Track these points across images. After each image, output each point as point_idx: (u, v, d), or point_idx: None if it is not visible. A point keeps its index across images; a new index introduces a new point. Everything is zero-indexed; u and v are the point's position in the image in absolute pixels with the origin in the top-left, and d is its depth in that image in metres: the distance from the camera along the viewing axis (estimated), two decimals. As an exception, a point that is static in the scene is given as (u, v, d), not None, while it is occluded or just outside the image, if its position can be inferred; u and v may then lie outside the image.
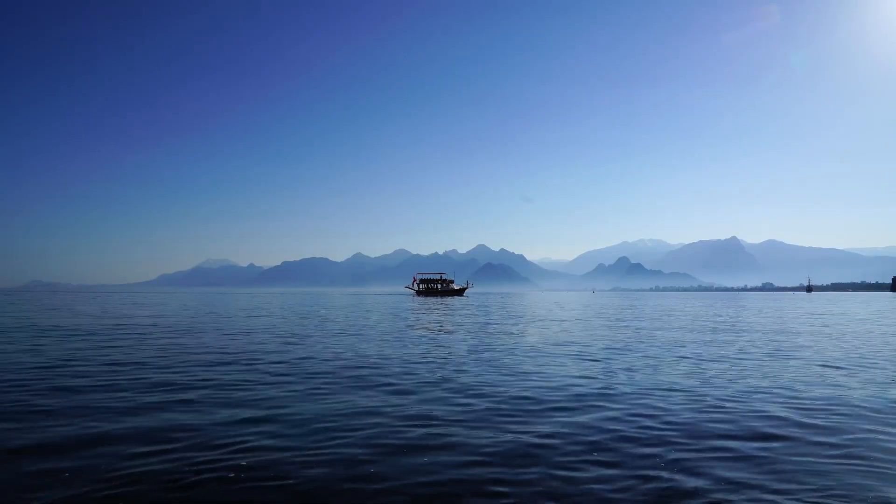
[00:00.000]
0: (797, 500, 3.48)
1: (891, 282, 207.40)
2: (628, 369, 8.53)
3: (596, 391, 6.78)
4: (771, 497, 3.53)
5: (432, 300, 53.42)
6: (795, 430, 5.08)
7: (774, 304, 48.33)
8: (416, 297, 63.71)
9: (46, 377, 7.68)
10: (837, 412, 5.74)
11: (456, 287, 79.15)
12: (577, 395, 6.55)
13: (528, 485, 3.72)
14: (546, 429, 5.00)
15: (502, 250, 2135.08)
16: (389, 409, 5.75)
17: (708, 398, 6.40)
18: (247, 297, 76.02)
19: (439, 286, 77.93)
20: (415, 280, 79.97)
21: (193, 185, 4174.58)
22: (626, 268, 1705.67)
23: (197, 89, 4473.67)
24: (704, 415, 5.62)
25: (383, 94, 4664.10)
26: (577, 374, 8.03)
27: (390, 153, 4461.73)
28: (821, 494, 3.58)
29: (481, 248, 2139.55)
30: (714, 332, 16.32)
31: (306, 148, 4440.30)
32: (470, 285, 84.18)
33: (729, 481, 3.78)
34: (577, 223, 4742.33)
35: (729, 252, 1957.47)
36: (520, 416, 5.47)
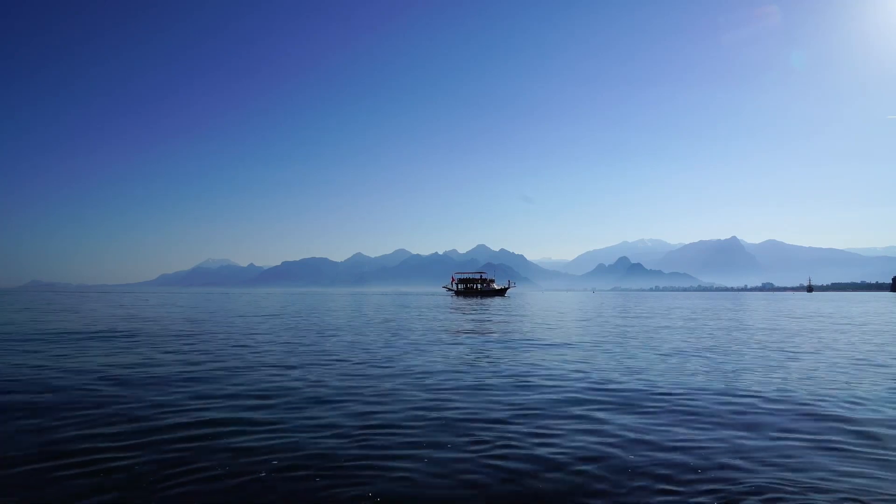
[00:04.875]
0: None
1: (891, 282, 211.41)
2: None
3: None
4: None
5: (474, 300, 51.15)
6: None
7: (791, 306, 48.53)
8: (457, 298, 61.48)
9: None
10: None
11: (497, 287, 75.73)
12: None
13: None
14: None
15: (502, 250, 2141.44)
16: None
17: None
18: (277, 297, 71.22)
19: (479, 286, 74.74)
20: (453, 279, 77.69)
21: (193, 185, 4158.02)
22: (626, 268, 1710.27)
23: (197, 89, 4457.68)
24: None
25: (383, 94, 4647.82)
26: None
27: (390, 153, 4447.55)
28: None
29: (481, 248, 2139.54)
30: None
31: (306, 148, 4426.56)
32: (512, 285, 79.17)
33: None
34: (577, 223, 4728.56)
35: (729, 252, 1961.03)
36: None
